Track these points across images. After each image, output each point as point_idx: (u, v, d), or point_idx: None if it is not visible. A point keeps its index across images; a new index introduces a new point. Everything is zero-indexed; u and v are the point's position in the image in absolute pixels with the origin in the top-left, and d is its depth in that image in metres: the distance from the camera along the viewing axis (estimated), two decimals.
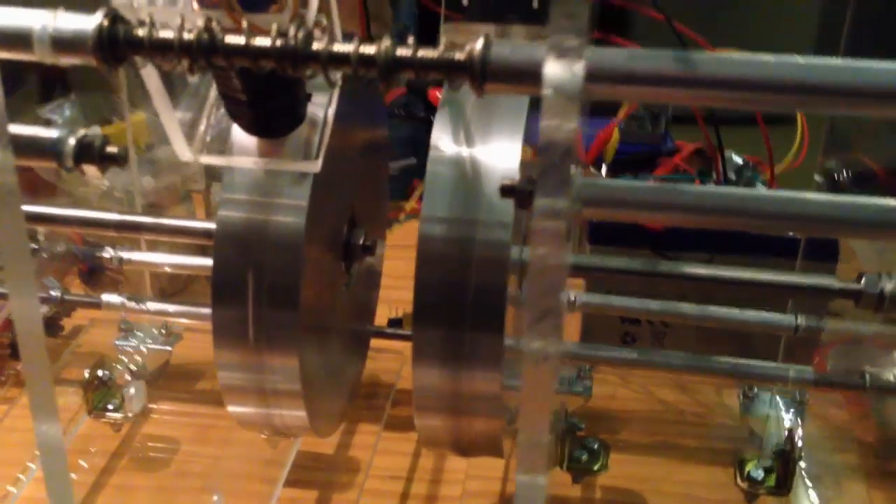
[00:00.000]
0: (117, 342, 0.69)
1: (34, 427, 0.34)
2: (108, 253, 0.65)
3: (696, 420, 0.70)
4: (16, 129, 0.30)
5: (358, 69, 0.28)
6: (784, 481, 0.60)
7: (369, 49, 0.28)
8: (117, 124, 0.74)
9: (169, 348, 0.70)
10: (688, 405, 0.72)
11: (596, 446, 0.62)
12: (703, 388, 0.72)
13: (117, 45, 0.29)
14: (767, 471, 0.60)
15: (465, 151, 0.42)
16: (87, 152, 0.31)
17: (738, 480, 0.60)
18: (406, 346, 0.68)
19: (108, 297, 0.67)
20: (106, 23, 0.29)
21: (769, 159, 0.67)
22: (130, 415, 0.64)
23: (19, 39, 0.29)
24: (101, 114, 0.71)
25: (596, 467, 0.61)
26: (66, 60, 0.29)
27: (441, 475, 0.64)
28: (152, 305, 0.66)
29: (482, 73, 0.28)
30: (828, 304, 0.65)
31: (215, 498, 0.58)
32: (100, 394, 0.64)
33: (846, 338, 0.65)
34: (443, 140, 0.41)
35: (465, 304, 0.42)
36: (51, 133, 0.31)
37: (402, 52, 0.29)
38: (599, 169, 0.78)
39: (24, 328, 0.32)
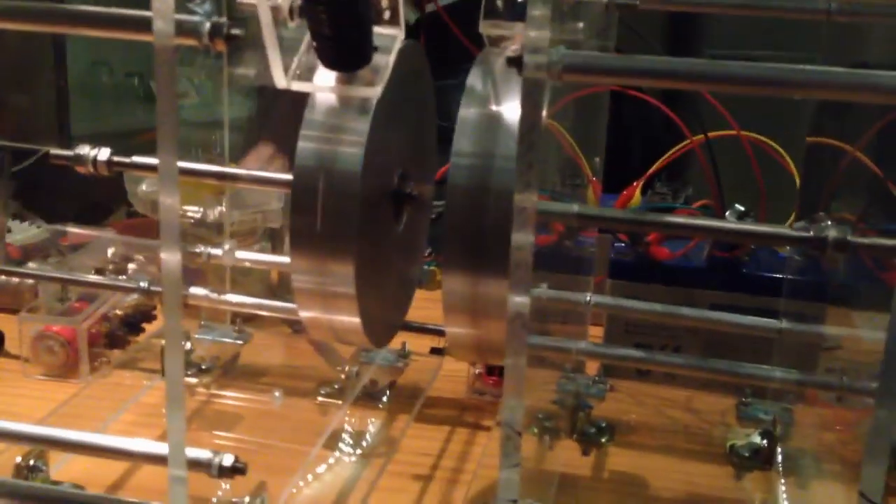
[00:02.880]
0: (196, 335, 0.81)
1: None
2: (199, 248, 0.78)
3: (699, 430, 0.78)
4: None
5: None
6: (769, 458, 0.68)
7: None
8: None
9: (241, 342, 0.81)
10: (693, 421, 0.80)
11: (604, 424, 0.71)
12: (710, 409, 0.81)
13: None
14: (755, 450, 0.68)
15: (491, 101, 0.54)
16: (218, 31, 0.44)
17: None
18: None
19: (193, 290, 0.78)
20: None
21: (761, 210, 0.80)
22: (206, 381, 0.75)
23: None
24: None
25: (603, 440, 0.70)
26: None
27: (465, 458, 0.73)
28: (232, 298, 0.78)
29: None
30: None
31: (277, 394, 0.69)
32: None
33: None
34: (474, 89, 0.54)
35: (485, 226, 0.54)
36: (193, 18, 0.44)
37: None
38: None
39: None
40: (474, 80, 0.55)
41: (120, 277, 0.93)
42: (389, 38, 0.54)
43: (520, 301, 0.43)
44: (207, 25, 0.44)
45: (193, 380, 0.75)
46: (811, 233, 0.55)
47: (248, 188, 0.88)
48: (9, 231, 1.06)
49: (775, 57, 0.42)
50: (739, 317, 0.70)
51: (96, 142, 0.65)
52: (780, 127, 0.90)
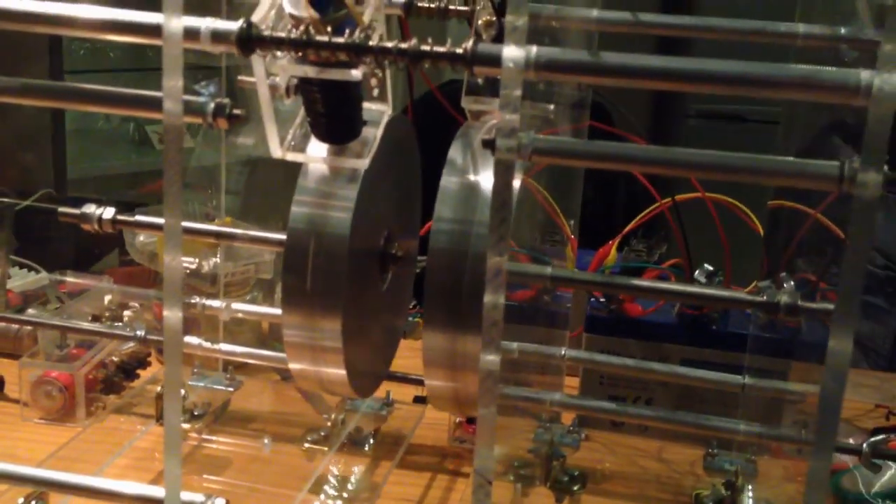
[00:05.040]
0: (190, 382, 0.85)
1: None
2: (195, 300, 0.82)
3: (669, 480, 0.82)
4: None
5: (397, 57, 0.46)
6: None
7: (403, 44, 0.46)
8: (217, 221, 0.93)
9: (232, 389, 0.85)
10: (664, 470, 0.84)
11: (577, 473, 0.75)
12: (680, 459, 0.84)
13: (251, 39, 0.47)
14: (718, 499, 0.72)
15: (470, 171, 0.59)
16: (221, 111, 0.48)
17: None
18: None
19: (188, 339, 0.82)
20: (244, 25, 0.47)
21: (727, 270, 0.84)
22: (199, 426, 0.78)
23: (190, 34, 0.47)
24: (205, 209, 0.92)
25: (576, 488, 0.74)
26: (218, 49, 0.47)
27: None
28: (225, 347, 0.82)
29: (472, 60, 0.46)
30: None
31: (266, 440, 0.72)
32: None
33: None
34: (455, 161, 0.59)
35: (462, 287, 0.58)
36: (199, 99, 0.49)
37: (424, 47, 0.46)
38: None
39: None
40: (455, 152, 0.60)
41: (116, 324, 0.97)
42: (378, 112, 0.59)
43: (491, 359, 0.47)
44: (212, 106, 0.49)
45: (186, 425, 0.79)
46: (764, 297, 0.59)
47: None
48: (8, 277, 1.09)
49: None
50: (705, 372, 0.74)
51: (92, 185, 0.69)
52: (747, 187, 0.95)
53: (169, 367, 0.52)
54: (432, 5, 0.71)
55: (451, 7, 0.71)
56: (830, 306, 0.59)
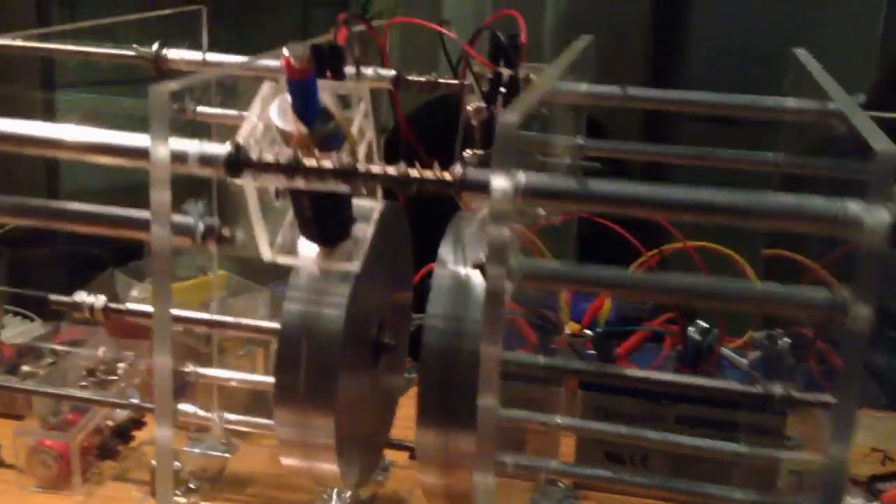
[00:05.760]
0: (185, 448, 0.85)
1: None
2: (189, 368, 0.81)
3: None
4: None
5: (384, 183, 0.46)
6: None
7: (391, 170, 0.46)
8: (205, 278, 0.93)
9: (228, 455, 0.85)
10: None
11: None
12: None
13: (238, 163, 0.47)
14: None
15: (461, 267, 0.59)
16: (210, 233, 0.48)
17: None
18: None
19: (183, 407, 0.82)
20: (233, 149, 0.47)
21: (720, 325, 0.84)
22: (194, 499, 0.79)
23: (177, 158, 0.47)
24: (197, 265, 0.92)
25: None
26: (206, 173, 0.47)
27: None
28: (220, 415, 0.82)
29: (460, 186, 0.45)
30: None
31: None
32: None
33: None
34: (446, 259, 0.59)
35: (455, 384, 0.58)
36: (188, 220, 0.49)
37: (413, 172, 0.46)
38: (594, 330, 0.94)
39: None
40: (446, 249, 0.60)
41: (111, 377, 0.97)
42: (368, 208, 0.59)
43: (485, 482, 0.47)
44: (201, 227, 0.49)
45: (182, 499, 0.79)
46: (760, 389, 0.60)
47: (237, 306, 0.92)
48: (2, 327, 1.09)
49: None
50: (699, 440, 0.74)
51: (86, 197, 0.67)
52: (741, 236, 0.95)
53: (160, 480, 0.51)
54: (422, 79, 0.72)
55: (441, 80, 0.71)
56: (829, 399, 0.60)
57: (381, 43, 0.70)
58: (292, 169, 0.47)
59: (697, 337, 0.86)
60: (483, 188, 0.45)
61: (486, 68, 0.63)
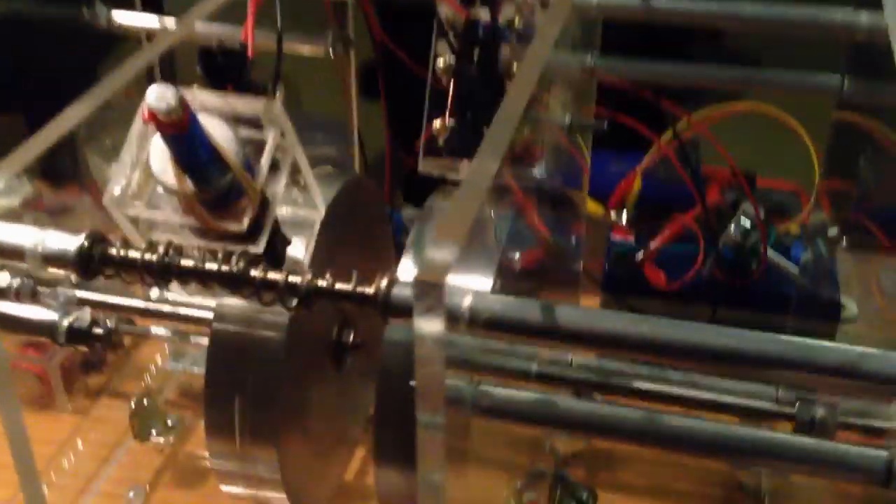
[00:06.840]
0: (170, 366, 0.78)
1: None
2: None
3: (692, 465, 0.74)
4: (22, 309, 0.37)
5: (284, 295, 0.34)
6: None
7: (294, 279, 0.34)
8: None
9: None
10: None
11: (585, 496, 0.67)
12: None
13: (93, 262, 0.35)
14: None
15: None
16: (77, 335, 0.38)
17: None
18: None
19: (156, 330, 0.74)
20: (87, 244, 0.35)
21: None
22: (172, 439, 0.72)
23: (10, 252, 0.35)
24: None
25: None
26: (53, 271, 0.36)
27: None
28: None
29: (384, 307, 0.34)
30: None
31: None
32: (143, 419, 0.72)
33: None
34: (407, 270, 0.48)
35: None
36: (49, 315, 0.38)
37: (322, 283, 0.34)
38: (620, 214, 0.82)
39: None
40: (407, 259, 0.48)
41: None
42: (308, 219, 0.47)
43: None
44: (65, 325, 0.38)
45: (160, 439, 0.72)
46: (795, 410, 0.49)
47: None
48: None
49: None
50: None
51: None
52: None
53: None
54: None
55: None
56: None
57: None
58: (163, 270, 0.35)
59: (739, 238, 0.74)
60: (408, 312, 0.33)
61: (457, 14, 0.47)
